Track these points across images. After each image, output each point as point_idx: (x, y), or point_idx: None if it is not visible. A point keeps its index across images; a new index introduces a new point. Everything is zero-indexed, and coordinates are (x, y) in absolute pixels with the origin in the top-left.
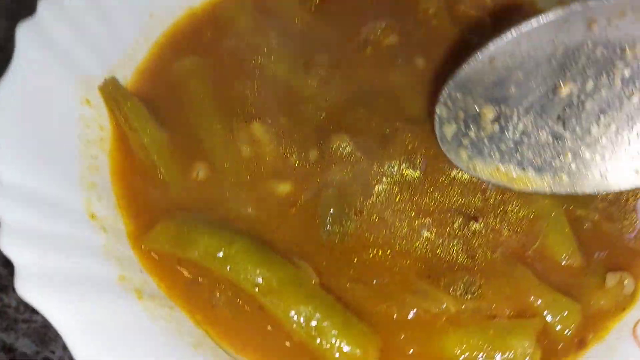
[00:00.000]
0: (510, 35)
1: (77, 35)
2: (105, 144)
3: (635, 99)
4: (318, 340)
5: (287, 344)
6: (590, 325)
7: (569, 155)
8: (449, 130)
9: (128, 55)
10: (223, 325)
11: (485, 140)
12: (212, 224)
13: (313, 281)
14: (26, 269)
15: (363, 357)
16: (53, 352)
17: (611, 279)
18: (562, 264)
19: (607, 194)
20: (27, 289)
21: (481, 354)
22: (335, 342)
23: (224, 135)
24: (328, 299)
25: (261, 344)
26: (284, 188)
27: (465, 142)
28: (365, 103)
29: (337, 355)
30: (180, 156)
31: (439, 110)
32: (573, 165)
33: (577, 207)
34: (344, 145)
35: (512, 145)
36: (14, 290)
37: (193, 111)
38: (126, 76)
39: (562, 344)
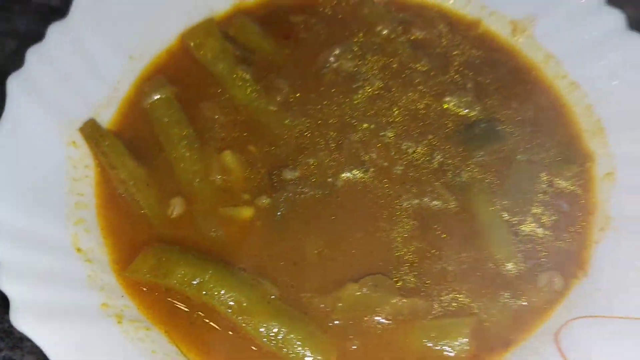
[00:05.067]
0: None
1: (63, 82)
2: (91, 181)
3: None
4: (285, 351)
5: (258, 355)
6: (518, 325)
7: None
8: None
9: (110, 96)
10: (200, 343)
11: None
12: (188, 254)
13: (273, 296)
14: (20, 302)
15: None
16: None
17: (542, 279)
18: (503, 267)
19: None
20: (21, 320)
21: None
22: (300, 351)
23: (197, 165)
24: (293, 313)
25: (235, 356)
26: (248, 212)
27: None
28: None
29: None
30: (159, 191)
31: None
32: None
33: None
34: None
35: None
36: None
37: (167, 141)
38: (109, 116)
39: (492, 342)
